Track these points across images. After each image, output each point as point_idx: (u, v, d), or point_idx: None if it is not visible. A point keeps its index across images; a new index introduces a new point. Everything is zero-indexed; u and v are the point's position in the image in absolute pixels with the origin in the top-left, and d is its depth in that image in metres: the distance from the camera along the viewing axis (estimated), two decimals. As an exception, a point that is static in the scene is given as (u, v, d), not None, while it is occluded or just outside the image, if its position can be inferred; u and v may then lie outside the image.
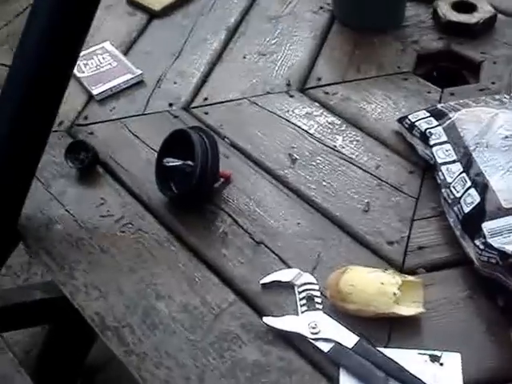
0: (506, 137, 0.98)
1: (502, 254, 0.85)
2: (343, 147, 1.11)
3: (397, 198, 1.02)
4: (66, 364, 1.50)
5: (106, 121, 1.22)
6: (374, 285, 0.87)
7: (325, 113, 1.18)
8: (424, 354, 0.84)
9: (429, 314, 0.87)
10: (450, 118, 1.04)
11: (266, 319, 0.88)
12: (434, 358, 0.84)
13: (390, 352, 0.84)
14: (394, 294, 0.85)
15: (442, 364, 0.83)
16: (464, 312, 0.88)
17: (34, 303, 1.34)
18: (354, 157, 1.09)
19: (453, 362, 0.83)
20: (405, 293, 0.86)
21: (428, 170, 1.05)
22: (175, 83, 1.28)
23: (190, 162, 1.02)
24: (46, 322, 1.51)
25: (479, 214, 0.91)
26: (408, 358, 0.84)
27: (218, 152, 1.04)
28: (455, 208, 0.94)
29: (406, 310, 0.86)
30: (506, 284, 0.86)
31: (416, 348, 0.85)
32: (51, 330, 1.53)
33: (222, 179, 1.07)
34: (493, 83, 1.20)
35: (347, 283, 0.88)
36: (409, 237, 0.97)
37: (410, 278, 0.89)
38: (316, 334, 0.86)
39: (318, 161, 1.09)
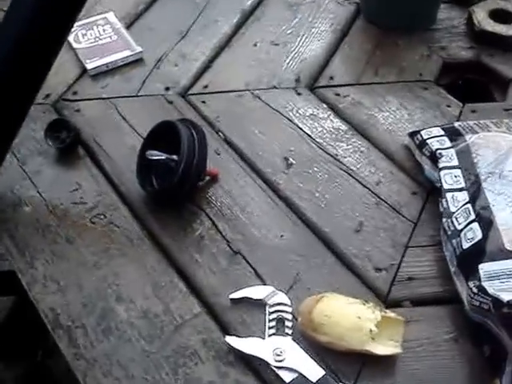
0: (523, 170, 0.95)
1: (496, 301, 0.82)
2: (345, 157, 1.08)
3: (394, 221, 0.99)
4: (27, 336, 1.50)
5: (95, 99, 1.21)
6: (350, 318, 0.85)
7: (331, 116, 1.15)
8: (393, 399, 0.82)
9: (406, 354, 0.85)
10: (466, 141, 1.01)
11: (228, 338, 0.87)
12: (404, 405, 0.81)
13: (357, 393, 0.82)
14: (371, 330, 0.83)
15: (411, 414, 0.81)
16: (445, 357, 0.85)
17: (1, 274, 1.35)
18: (354, 169, 1.06)
19: (424, 412, 0.81)
20: (383, 330, 0.84)
21: (433, 193, 1.02)
22: (176, 65, 1.26)
23: (174, 157, 1.00)
24: (13, 293, 1.51)
25: (478, 253, 0.88)
26: (376, 402, 0.82)
27: (206, 149, 1.02)
28: (454, 241, 0.91)
29: (382, 348, 0.84)
30: (496, 334, 0.83)
31: (386, 391, 0.82)
32: (16, 302, 1.54)
33: (207, 177, 1.06)
34: (520, 104, 1.17)
35: (321, 313, 0.86)
36: (399, 265, 0.94)
37: (390, 314, 0.86)
38: (280, 361, 0.84)
39: (316, 169, 1.07)
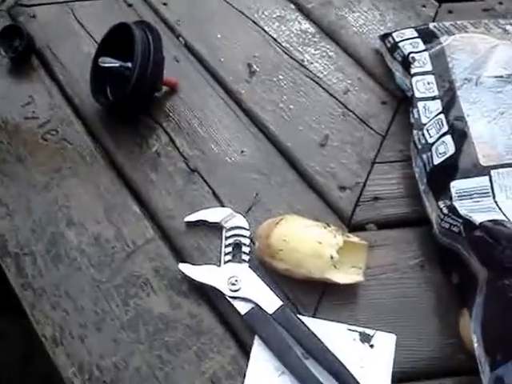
0: (501, 76, 0.78)
1: (467, 223, 0.68)
2: (312, 63, 0.91)
3: (361, 133, 0.84)
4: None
5: (51, 3, 1.03)
6: (309, 243, 0.71)
7: (299, 18, 0.97)
8: (354, 330, 0.69)
9: (369, 282, 0.72)
10: (441, 43, 0.84)
11: (182, 266, 0.74)
12: (365, 338, 0.69)
13: (315, 324, 0.69)
14: (332, 257, 0.69)
15: (372, 346, 0.68)
16: (410, 284, 0.72)
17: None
18: (321, 76, 0.90)
19: (385, 344, 0.69)
20: (345, 256, 0.70)
21: (404, 103, 0.86)
22: (137, -36, 1.06)
23: (129, 65, 0.84)
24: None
25: (450, 169, 0.73)
26: (335, 334, 0.69)
27: (162, 55, 0.85)
28: (424, 156, 0.76)
29: (343, 276, 0.71)
30: (465, 259, 0.69)
31: (347, 322, 0.70)
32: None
33: (165, 87, 0.89)
34: (500, 3, 0.98)
35: (280, 238, 0.71)
36: (365, 183, 0.80)
37: (354, 238, 0.72)
38: (235, 291, 0.72)
39: (280, 76, 0.90)
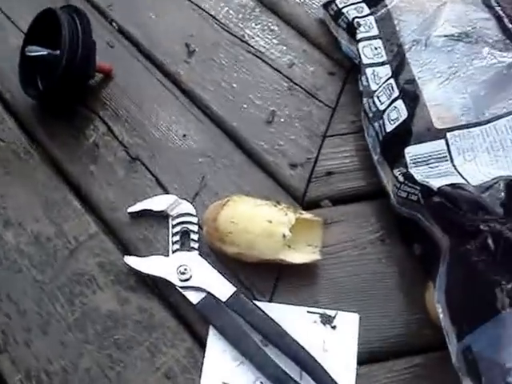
0: (452, 35, 0.74)
1: (425, 189, 0.64)
2: (253, 37, 0.87)
3: (309, 107, 0.80)
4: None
5: (-26, -4, 0.97)
6: (259, 223, 0.66)
7: (239, -7, 0.92)
8: (314, 312, 0.65)
9: (327, 260, 0.68)
10: (386, 6, 0.80)
11: (127, 259, 0.69)
12: (326, 319, 0.65)
13: (273, 308, 0.65)
14: (284, 235, 0.65)
15: (334, 327, 0.65)
16: (371, 260, 0.68)
17: None
18: (264, 51, 0.86)
19: (348, 325, 0.65)
20: (298, 234, 0.66)
21: (352, 71, 0.82)
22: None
23: (58, 52, 0.79)
24: None
25: (404, 135, 0.69)
26: (294, 317, 0.65)
27: (92, 39, 0.80)
28: (376, 125, 0.72)
29: (299, 256, 0.67)
30: (427, 228, 0.65)
31: (306, 305, 0.66)
32: None
33: (100, 75, 0.84)
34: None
35: (227, 220, 0.67)
36: (316, 159, 0.76)
37: (306, 215, 0.68)
38: (186, 280, 0.67)
39: (221, 54, 0.86)
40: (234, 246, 0.67)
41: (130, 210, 0.73)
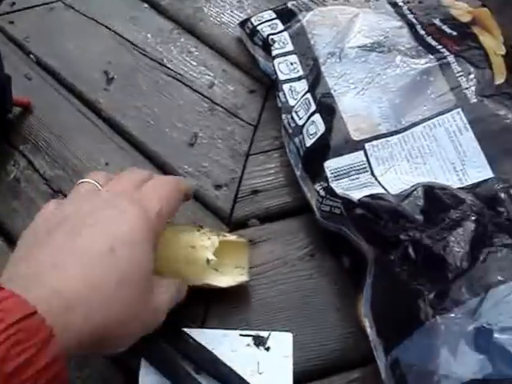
0: (365, 45, 0.74)
1: (347, 202, 0.64)
2: (171, 60, 0.86)
3: (231, 127, 0.79)
4: None
5: None
6: (182, 250, 0.65)
7: (156, 16, 0.91)
8: (247, 335, 0.64)
9: (257, 281, 0.67)
10: (299, 21, 0.80)
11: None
12: (259, 341, 0.64)
13: (204, 335, 0.64)
14: (208, 260, 0.64)
15: (268, 348, 0.64)
16: (301, 277, 0.68)
17: None
18: (183, 73, 0.84)
19: (282, 345, 0.64)
20: (225, 257, 0.65)
21: (272, 88, 0.81)
22: (-24, -16, 0.99)
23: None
24: None
25: (323, 149, 0.69)
26: (226, 342, 0.64)
27: (4, 73, 0.78)
28: (296, 140, 0.72)
29: (225, 279, 0.65)
30: (353, 241, 0.65)
31: (238, 328, 0.65)
32: None
33: (18, 108, 0.83)
34: (360, -30, 0.95)
35: (152, 249, 0.65)
36: (241, 178, 0.75)
37: (230, 237, 0.67)
38: (115, 315, 0.65)
39: (140, 79, 0.84)
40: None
41: (54, 246, 0.71)
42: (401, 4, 0.80)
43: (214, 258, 0.64)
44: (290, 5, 0.83)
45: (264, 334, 0.64)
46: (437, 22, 0.77)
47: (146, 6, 0.92)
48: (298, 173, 0.72)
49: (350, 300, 0.65)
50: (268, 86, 0.82)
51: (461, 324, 0.50)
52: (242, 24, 0.86)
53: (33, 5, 0.95)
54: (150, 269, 0.54)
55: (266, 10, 0.84)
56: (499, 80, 0.69)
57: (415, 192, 0.61)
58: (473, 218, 0.56)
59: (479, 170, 0.63)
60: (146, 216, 0.55)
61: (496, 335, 0.48)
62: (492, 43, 0.74)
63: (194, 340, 0.63)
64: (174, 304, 0.59)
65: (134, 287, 0.52)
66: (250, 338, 0.64)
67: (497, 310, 0.50)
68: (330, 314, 0.66)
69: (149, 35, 0.89)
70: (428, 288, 0.54)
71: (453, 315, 0.51)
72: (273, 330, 0.64)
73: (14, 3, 0.96)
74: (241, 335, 0.64)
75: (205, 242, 0.65)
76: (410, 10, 0.79)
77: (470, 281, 0.52)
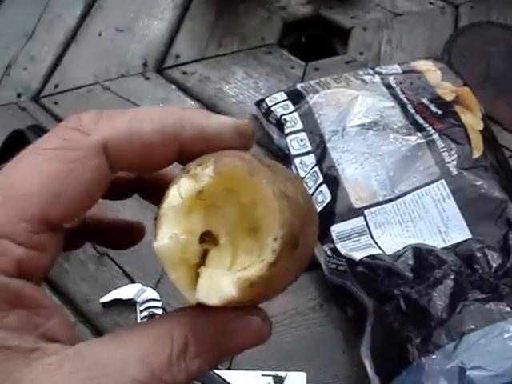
0: (363, 124, 0.88)
1: (350, 261, 0.77)
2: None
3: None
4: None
5: None
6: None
7: (182, 96, 1.05)
8: (268, 375, 0.76)
9: (276, 329, 0.78)
10: (307, 102, 0.93)
11: (103, 345, 0.79)
12: (278, 380, 0.76)
13: (231, 375, 0.76)
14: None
15: (285, 386, 0.76)
16: (312, 324, 0.80)
17: None
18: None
19: (298, 383, 0.76)
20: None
21: (285, 161, 0.94)
22: (25, 69, 1.13)
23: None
24: None
25: (329, 216, 0.82)
26: (251, 381, 0.76)
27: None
28: (306, 207, 0.85)
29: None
30: (355, 294, 0.77)
31: (260, 369, 0.77)
32: None
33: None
34: (361, 53, 1.09)
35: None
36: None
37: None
38: (156, 359, 0.78)
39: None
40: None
41: (102, 300, 0.84)
42: (394, 85, 0.94)
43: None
44: (299, 87, 0.97)
45: (282, 373, 0.76)
46: (425, 100, 0.91)
47: (173, 87, 1.06)
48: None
49: (354, 343, 0.77)
50: (281, 159, 0.95)
51: (441, 363, 0.62)
52: (258, 104, 0.99)
53: (74, 87, 1.09)
54: None
55: (278, 92, 0.98)
56: (477, 154, 0.83)
57: (406, 253, 0.74)
58: (452, 276, 0.69)
59: (459, 232, 0.76)
60: None
61: (468, 373, 0.60)
62: (471, 120, 0.88)
63: (223, 380, 0.75)
64: None
65: None
66: (271, 377, 0.76)
67: (469, 352, 0.62)
68: (337, 356, 0.78)
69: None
70: (415, 334, 0.66)
71: (434, 356, 0.63)
72: (289, 371, 0.76)
73: (57, 85, 1.10)
74: (263, 375, 0.76)
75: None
76: (401, 91, 0.93)
77: (449, 328, 0.65)
